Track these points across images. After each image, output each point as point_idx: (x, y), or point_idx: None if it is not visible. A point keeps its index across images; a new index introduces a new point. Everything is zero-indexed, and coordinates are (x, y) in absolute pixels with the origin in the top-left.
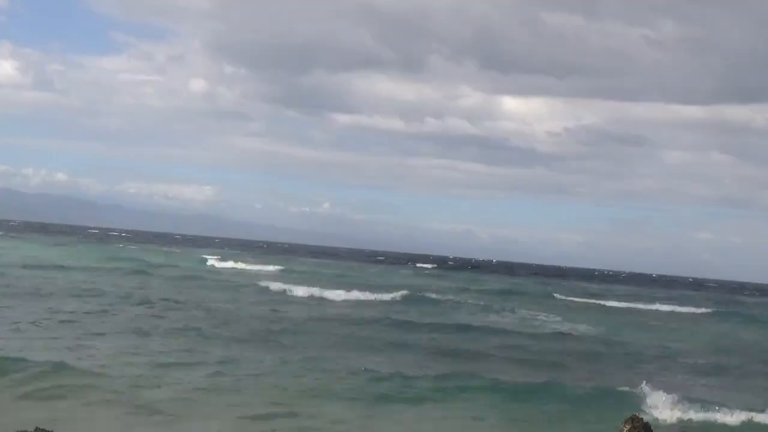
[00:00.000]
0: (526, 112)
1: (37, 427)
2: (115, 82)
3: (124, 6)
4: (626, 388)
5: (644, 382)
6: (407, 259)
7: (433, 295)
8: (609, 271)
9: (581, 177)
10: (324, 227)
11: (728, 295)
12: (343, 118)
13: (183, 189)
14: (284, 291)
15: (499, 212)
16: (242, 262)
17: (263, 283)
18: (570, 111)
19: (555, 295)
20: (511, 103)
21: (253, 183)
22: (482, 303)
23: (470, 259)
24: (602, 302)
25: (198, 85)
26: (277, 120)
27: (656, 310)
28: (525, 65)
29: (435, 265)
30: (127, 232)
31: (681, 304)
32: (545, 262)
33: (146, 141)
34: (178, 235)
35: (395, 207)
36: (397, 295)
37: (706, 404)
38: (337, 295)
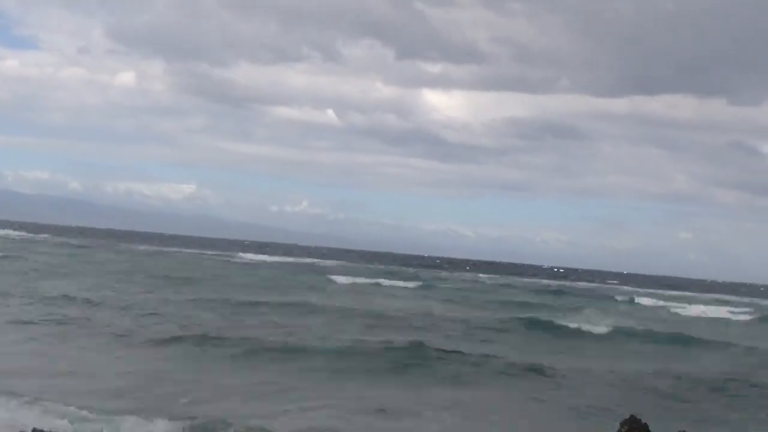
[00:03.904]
0: (449, 106)
1: (34, 428)
2: (42, 76)
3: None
4: None
5: None
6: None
7: None
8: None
9: (533, 173)
10: (309, 227)
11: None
12: (276, 112)
13: (152, 187)
14: None
15: (473, 211)
16: None
17: None
18: (490, 104)
19: None
20: (430, 96)
21: (216, 180)
22: None
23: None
24: None
25: (126, 78)
26: (211, 114)
27: None
28: (433, 56)
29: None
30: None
31: None
32: (538, 262)
33: (95, 138)
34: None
35: (365, 206)
36: None
37: None
38: None
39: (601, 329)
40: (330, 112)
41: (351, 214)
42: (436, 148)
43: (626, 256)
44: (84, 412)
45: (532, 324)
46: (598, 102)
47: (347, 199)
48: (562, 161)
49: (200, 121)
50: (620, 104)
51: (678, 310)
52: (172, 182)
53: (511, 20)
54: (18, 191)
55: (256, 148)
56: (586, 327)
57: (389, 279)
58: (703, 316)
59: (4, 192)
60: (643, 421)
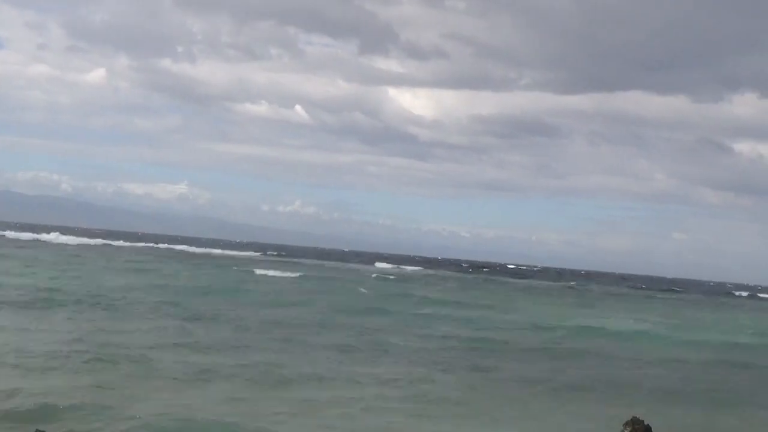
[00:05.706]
0: (415, 104)
1: (37, 429)
2: (11, 74)
3: None
4: None
5: None
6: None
7: None
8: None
9: (517, 172)
10: (306, 227)
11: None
12: (244, 110)
13: (143, 188)
14: None
15: (465, 211)
16: None
17: None
18: (455, 102)
19: None
20: (394, 93)
21: (204, 180)
22: None
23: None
24: None
25: (97, 75)
26: (184, 113)
27: None
28: (394, 54)
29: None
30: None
31: None
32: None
33: (73, 138)
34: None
35: (358, 206)
36: None
37: None
38: None
39: None
40: (299, 109)
41: (345, 215)
42: (412, 147)
43: (617, 255)
44: None
45: None
46: (559, 99)
47: (338, 199)
48: (543, 160)
49: (174, 120)
50: (580, 101)
51: None
52: (160, 182)
53: (462, 18)
54: (15, 191)
55: (235, 147)
56: None
57: None
58: None
59: (4, 193)
60: (645, 423)
